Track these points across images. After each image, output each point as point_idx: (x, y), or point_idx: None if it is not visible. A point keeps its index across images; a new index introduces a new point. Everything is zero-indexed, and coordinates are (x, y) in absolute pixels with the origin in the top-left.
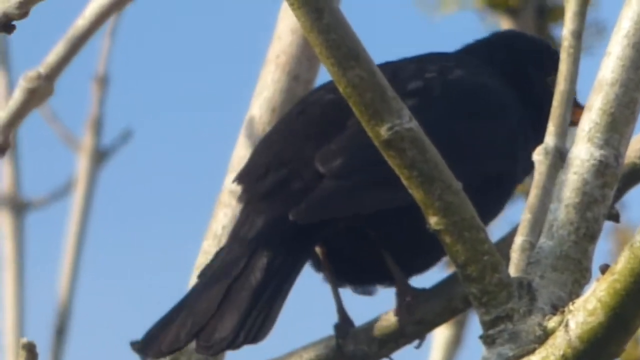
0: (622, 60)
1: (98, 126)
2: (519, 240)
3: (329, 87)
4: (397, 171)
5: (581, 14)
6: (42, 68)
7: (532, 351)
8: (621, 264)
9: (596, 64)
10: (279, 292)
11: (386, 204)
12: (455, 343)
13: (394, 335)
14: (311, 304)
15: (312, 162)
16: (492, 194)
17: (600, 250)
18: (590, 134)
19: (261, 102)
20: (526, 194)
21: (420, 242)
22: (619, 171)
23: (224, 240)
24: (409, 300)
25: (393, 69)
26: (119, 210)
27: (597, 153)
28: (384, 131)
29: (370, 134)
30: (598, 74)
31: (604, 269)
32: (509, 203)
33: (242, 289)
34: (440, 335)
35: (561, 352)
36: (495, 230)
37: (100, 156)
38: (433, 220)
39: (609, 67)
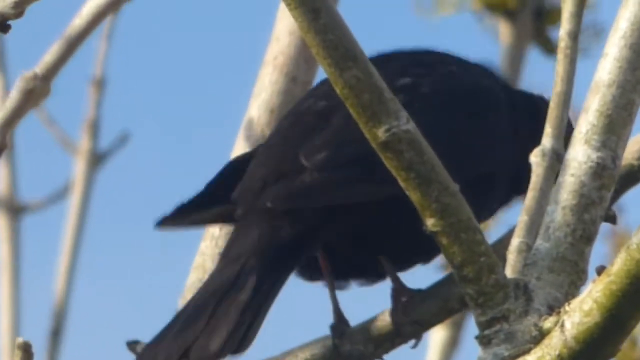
0: (619, 61)
1: (95, 129)
2: (515, 241)
3: (319, 93)
4: (394, 173)
5: (578, 14)
6: (39, 68)
7: (527, 351)
8: (617, 266)
9: (594, 66)
10: (263, 305)
11: (368, 196)
12: (451, 344)
13: (390, 335)
14: (307, 304)
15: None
16: (486, 195)
17: (598, 254)
18: (587, 135)
19: (259, 104)
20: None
21: (416, 243)
22: (616, 173)
23: (221, 242)
24: (405, 301)
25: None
26: (115, 213)
27: (594, 155)
28: (381, 133)
29: (367, 135)
30: (595, 75)
31: (600, 270)
32: (505, 205)
33: (231, 305)
34: (436, 336)
35: (557, 352)
36: (492, 231)
37: (97, 159)
38: (430, 222)
39: (605, 68)
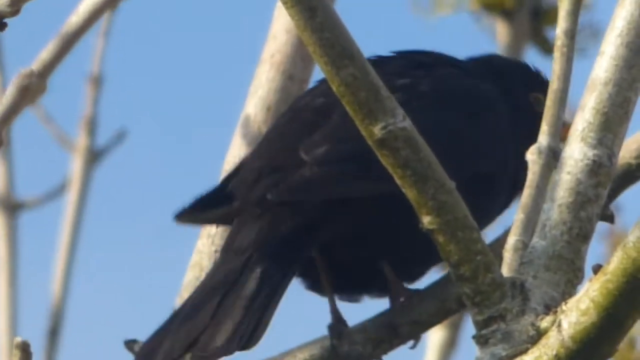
0: (615, 59)
1: (92, 126)
2: (511, 240)
3: (317, 91)
4: (390, 170)
5: (574, 13)
6: (35, 65)
7: (524, 351)
8: (614, 264)
9: (590, 64)
10: (272, 300)
11: (367, 192)
12: (449, 345)
13: (388, 335)
14: (305, 304)
15: (301, 163)
16: (485, 195)
17: (595, 254)
18: (583, 133)
19: (256, 101)
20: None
21: (416, 244)
22: (612, 171)
23: (217, 240)
24: (403, 301)
25: (379, 65)
26: (113, 210)
27: (591, 153)
28: (377, 130)
29: (363, 133)
30: (591, 73)
31: (597, 269)
32: (508, 207)
33: (237, 299)
34: (434, 338)
35: (554, 352)
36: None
37: (94, 156)
38: (426, 220)
39: (602, 66)
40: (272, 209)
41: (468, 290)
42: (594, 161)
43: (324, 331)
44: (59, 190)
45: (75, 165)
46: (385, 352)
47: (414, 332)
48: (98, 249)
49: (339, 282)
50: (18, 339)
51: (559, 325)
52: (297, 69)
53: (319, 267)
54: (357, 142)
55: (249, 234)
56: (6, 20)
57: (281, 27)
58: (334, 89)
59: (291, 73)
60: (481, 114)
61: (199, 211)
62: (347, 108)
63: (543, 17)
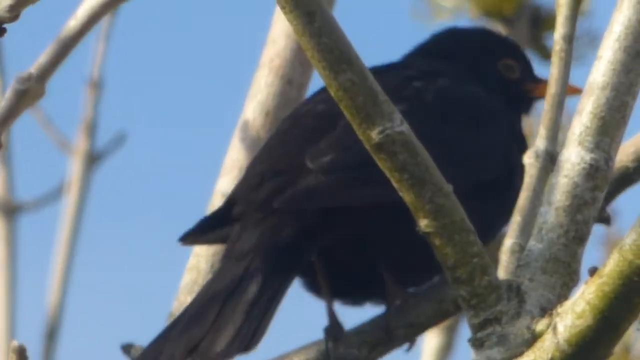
0: (613, 64)
1: (91, 129)
2: (508, 242)
3: (319, 98)
4: (388, 174)
5: (572, 18)
6: (34, 69)
7: (520, 354)
8: (610, 267)
9: (588, 72)
10: (271, 304)
11: (373, 199)
12: (445, 349)
13: (384, 338)
14: (302, 307)
15: (306, 171)
16: (491, 203)
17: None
18: (581, 137)
19: (255, 106)
20: None
21: (416, 249)
22: (609, 174)
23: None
24: (399, 303)
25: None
26: (111, 213)
27: (588, 156)
28: (375, 134)
29: (361, 137)
30: (589, 77)
31: (593, 271)
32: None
33: (238, 304)
34: (430, 342)
35: (549, 356)
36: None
37: (93, 159)
38: (423, 223)
39: (600, 70)
40: (273, 214)
41: (464, 292)
42: (591, 165)
43: (320, 334)
44: (58, 193)
45: (75, 168)
46: (381, 355)
47: (410, 335)
48: (96, 252)
49: (338, 286)
50: (15, 343)
51: (555, 328)
52: (296, 73)
53: (318, 271)
54: (362, 151)
55: (250, 239)
56: (5, 25)
57: (280, 32)
58: (332, 93)
59: (290, 78)
60: (482, 122)
61: (202, 233)
62: (345, 112)
63: (542, 24)
